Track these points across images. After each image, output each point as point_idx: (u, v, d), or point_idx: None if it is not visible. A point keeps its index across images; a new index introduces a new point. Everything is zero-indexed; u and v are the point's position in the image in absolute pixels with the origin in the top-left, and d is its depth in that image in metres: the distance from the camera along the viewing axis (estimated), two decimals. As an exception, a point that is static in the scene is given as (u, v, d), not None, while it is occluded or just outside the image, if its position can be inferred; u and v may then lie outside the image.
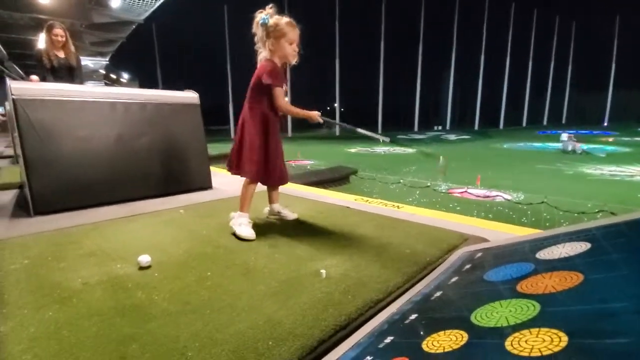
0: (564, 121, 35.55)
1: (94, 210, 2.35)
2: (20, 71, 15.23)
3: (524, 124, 34.56)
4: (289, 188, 3.19)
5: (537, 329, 0.65)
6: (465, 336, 0.71)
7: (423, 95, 30.57)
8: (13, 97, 2.23)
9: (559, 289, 0.80)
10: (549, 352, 0.58)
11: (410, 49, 29.66)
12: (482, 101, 31.98)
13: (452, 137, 23.69)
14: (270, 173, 1.87)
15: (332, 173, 7.28)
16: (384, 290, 1.21)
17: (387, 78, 28.41)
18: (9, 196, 2.94)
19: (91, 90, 2.57)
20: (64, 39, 3.66)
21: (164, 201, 2.59)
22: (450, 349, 0.68)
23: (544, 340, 0.61)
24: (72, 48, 3.85)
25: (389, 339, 0.85)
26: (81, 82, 3.96)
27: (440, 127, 32.85)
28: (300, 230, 1.90)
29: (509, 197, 6.85)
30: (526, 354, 0.59)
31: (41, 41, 3.76)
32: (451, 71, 31.34)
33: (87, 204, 2.39)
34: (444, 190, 7.82)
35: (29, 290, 1.24)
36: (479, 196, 7.07)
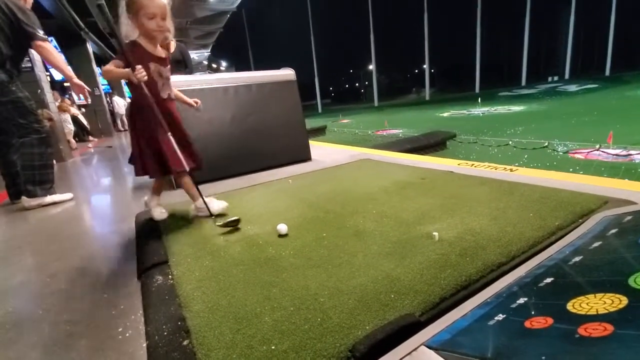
0: None
1: (220, 182, 2.75)
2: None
3: (677, 61, 26.60)
4: (384, 155, 3.17)
5: None
6: (625, 300, 0.64)
7: (532, 42, 25.97)
8: (152, 90, 2.69)
9: None
10: None
11: (515, -13, 25.25)
12: (616, 39, 25.58)
13: (573, 87, 19.81)
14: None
15: (427, 139, 6.89)
16: (506, 254, 1.15)
17: (485, 26, 24.85)
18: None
19: (207, 78, 2.92)
20: None
21: (272, 173, 2.86)
22: (606, 311, 0.63)
23: None
24: (174, 42, 4.24)
25: (522, 300, 0.82)
26: (191, 72, 4.42)
27: (556, 78, 27.70)
28: (404, 195, 1.89)
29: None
30: None
31: None
32: (572, 7, 25.66)
33: (214, 178, 2.81)
34: (562, 152, 6.72)
35: (187, 244, 1.55)
36: (611, 157, 5.87)
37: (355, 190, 2.11)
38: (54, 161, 2.75)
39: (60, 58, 2.59)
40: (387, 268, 1.15)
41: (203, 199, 1.84)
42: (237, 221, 1.67)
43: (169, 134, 1.71)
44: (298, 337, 0.85)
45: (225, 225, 1.65)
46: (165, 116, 1.72)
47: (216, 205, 1.88)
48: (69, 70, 2.61)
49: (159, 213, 1.93)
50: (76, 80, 2.60)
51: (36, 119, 2.56)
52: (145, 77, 1.58)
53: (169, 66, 1.80)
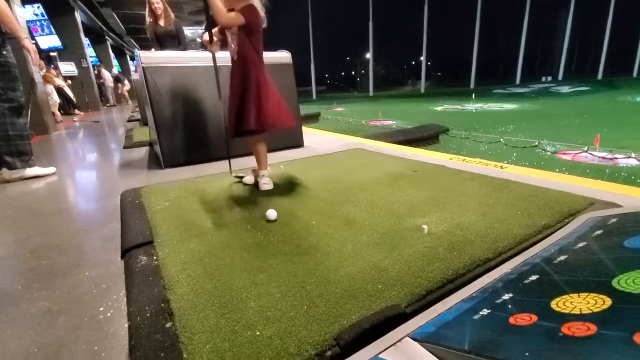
0: None
1: (209, 164, 2.70)
2: (137, 45, 17.44)
3: (669, 69, 27.09)
4: (377, 146, 3.16)
5: None
6: (608, 301, 0.65)
7: (529, 42, 25.98)
8: (142, 65, 2.59)
9: None
10: None
11: (516, -16, 25.05)
12: (610, 43, 25.79)
13: (565, 89, 20.04)
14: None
15: (420, 132, 6.91)
16: (493, 250, 1.16)
17: (484, 23, 24.72)
18: (143, 152, 3.54)
19: (201, 56, 2.83)
20: (160, 6, 3.99)
21: (263, 157, 2.81)
22: (590, 312, 0.64)
23: None
24: (172, 16, 4.18)
25: (506, 296, 0.83)
26: (185, 48, 4.31)
27: (549, 78, 27.93)
28: (396, 187, 1.89)
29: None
30: (699, 325, 0.52)
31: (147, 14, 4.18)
32: (570, 9, 25.66)
33: (203, 159, 2.75)
34: (550, 152, 6.83)
35: (173, 225, 1.52)
36: (597, 159, 5.99)
37: (347, 179, 2.10)
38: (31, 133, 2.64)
39: (12, 16, 2.42)
40: (376, 258, 1.15)
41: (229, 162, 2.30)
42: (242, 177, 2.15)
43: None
44: (283, 324, 0.85)
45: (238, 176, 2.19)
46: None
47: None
48: (21, 30, 2.49)
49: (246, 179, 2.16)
50: (26, 42, 2.54)
51: (13, 88, 2.46)
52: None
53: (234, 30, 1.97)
